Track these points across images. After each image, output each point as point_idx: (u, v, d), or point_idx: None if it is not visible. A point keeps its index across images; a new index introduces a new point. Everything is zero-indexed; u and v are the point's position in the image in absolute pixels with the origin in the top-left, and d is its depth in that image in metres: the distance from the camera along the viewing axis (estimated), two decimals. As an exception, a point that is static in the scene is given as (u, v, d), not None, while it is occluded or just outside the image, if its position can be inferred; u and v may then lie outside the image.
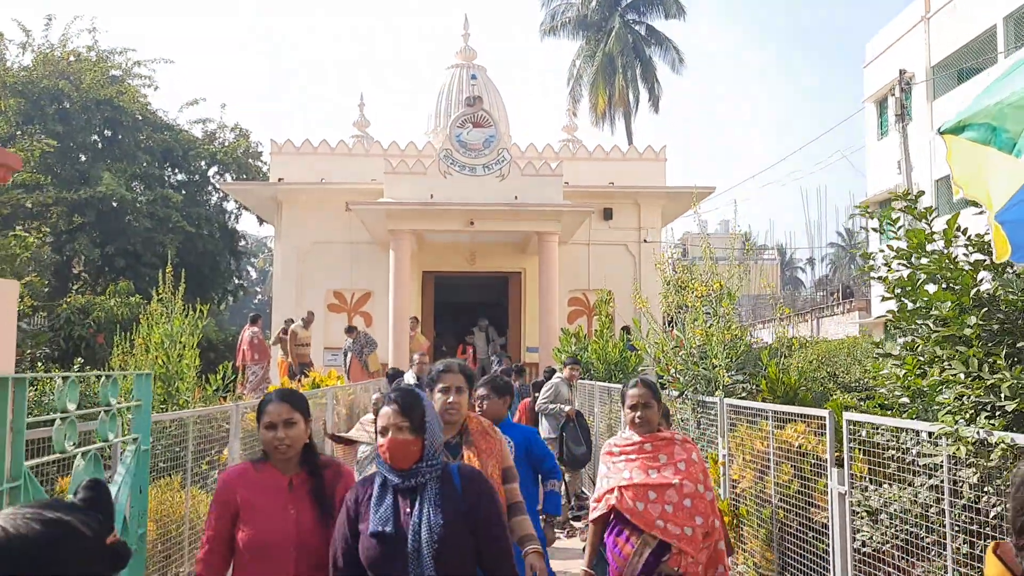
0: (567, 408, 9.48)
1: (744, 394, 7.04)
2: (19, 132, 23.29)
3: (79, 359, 14.59)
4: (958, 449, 3.35)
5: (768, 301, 31.40)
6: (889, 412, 4.61)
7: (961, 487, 3.49)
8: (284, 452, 3.14)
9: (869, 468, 4.41)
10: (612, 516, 3.99)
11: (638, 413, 4.03)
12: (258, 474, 3.19)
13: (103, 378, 3.29)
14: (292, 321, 16.82)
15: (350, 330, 16.68)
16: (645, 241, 20.35)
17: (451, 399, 3.68)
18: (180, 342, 9.02)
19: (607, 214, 20.35)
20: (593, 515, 4.04)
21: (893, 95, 21.34)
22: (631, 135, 35.40)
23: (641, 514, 3.85)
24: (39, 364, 15.99)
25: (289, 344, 15.98)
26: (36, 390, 7.89)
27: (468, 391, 3.81)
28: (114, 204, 23.17)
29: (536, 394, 10.25)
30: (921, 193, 4.34)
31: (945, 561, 3.59)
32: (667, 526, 3.81)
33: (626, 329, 16.07)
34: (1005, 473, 3.25)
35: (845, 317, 30.17)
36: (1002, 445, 3.16)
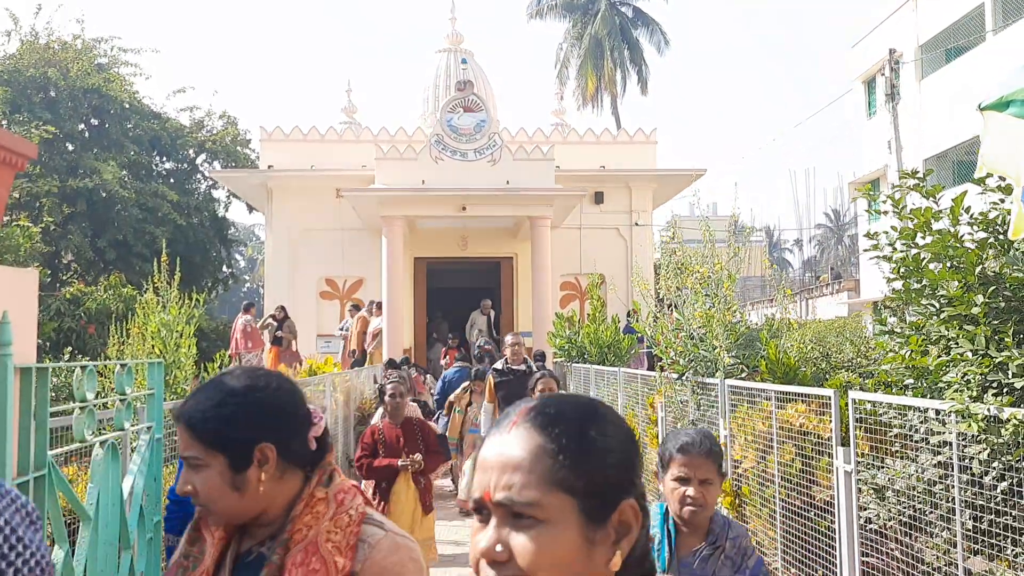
0: None
1: (743, 374, 7.08)
2: (5, 121, 23.09)
3: (68, 348, 14.52)
4: (969, 426, 3.40)
5: (757, 283, 31.53)
6: (892, 391, 4.66)
7: (970, 463, 3.53)
8: None
9: (871, 446, 4.46)
10: None
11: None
12: None
13: (119, 367, 3.28)
14: (283, 308, 16.84)
15: (355, 308, 16.75)
16: (636, 224, 20.38)
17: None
18: (177, 331, 9.03)
19: (598, 198, 20.35)
20: None
21: (882, 74, 21.40)
22: (619, 118, 35.36)
23: None
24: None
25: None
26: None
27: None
28: (104, 195, 23.02)
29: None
30: (930, 171, 4.37)
31: (954, 536, 3.65)
32: None
33: (630, 314, 16.14)
34: (1015, 450, 3.30)
35: (834, 298, 30.36)
36: (1013, 421, 3.21)
